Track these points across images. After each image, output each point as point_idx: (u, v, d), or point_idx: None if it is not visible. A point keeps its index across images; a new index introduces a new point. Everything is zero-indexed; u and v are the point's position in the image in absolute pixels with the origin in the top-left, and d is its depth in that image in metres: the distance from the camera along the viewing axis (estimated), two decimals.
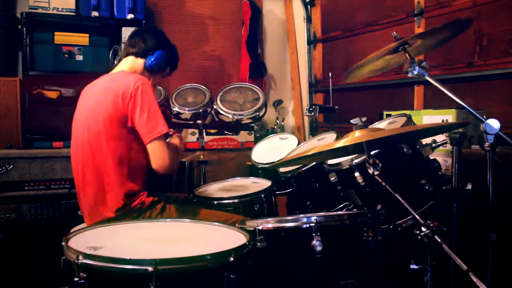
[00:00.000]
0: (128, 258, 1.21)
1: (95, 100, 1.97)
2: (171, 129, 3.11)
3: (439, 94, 1.75)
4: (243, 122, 3.05)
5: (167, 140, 2.11)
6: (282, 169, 2.39)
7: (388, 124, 2.14)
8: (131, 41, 2.15)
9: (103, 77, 2.09)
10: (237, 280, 1.29)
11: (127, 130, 1.90)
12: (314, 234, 1.52)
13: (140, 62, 2.12)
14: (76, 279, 1.23)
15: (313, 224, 1.55)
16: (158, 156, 1.88)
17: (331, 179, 1.96)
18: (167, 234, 1.56)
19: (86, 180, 1.95)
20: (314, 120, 3.91)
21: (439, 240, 1.29)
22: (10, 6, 3.37)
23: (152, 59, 2.11)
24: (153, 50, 2.11)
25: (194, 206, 2.15)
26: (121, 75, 2.03)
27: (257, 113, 3.03)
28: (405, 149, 1.75)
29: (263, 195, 2.28)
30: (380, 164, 1.47)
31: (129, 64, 2.12)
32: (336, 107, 3.12)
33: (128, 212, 1.92)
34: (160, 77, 2.25)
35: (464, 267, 1.23)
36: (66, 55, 3.20)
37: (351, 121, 1.57)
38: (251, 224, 1.60)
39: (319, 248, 1.50)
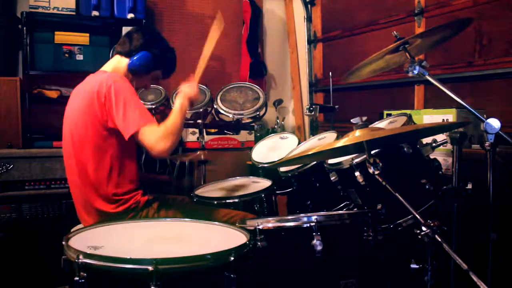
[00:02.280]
0: (129, 257, 1.21)
1: (77, 102, 1.93)
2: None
3: (440, 94, 1.75)
4: (243, 121, 3.05)
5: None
6: (282, 169, 2.38)
7: (388, 124, 2.14)
8: (122, 40, 2.07)
9: (88, 77, 2.03)
10: (238, 280, 1.29)
11: (110, 130, 1.85)
12: (314, 234, 1.52)
13: (124, 61, 2.03)
14: (76, 278, 1.23)
15: (314, 224, 1.55)
16: (145, 144, 1.80)
17: (332, 179, 1.96)
18: (167, 234, 1.57)
19: (77, 183, 1.93)
20: (314, 120, 3.91)
21: (439, 240, 1.29)
22: (11, 5, 3.36)
23: (134, 59, 1.99)
24: (137, 50, 2.01)
25: (192, 206, 2.15)
26: (96, 75, 1.98)
27: (257, 113, 3.02)
28: (405, 149, 1.75)
29: (263, 195, 2.28)
30: (381, 164, 1.47)
31: (113, 63, 2.05)
32: (337, 106, 3.12)
33: (123, 212, 1.91)
34: (149, 79, 2.12)
35: (465, 266, 1.23)
36: (67, 55, 3.21)
37: (351, 120, 1.56)
38: (252, 223, 1.60)
39: (319, 248, 1.50)
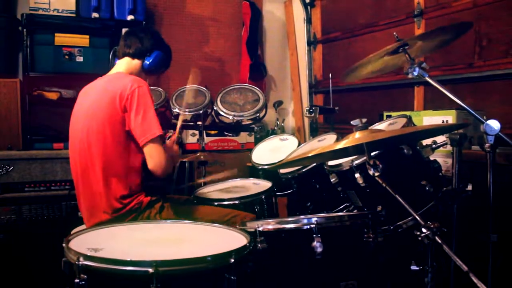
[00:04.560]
0: (129, 259, 1.22)
1: (93, 102, 1.97)
2: (171, 130, 3.13)
3: (439, 95, 1.75)
4: (243, 123, 3.05)
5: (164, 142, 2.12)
6: (282, 170, 2.39)
7: (388, 125, 2.14)
8: (127, 41, 2.11)
9: (100, 78, 2.08)
10: (238, 282, 1.29)
11: (125, 131, 1.90)
12: (314, 235, 1.52)
13: (136, 63, 2.10)
14: (76, 280, 1.23)
15: (314, 225, 1.55)
16: (154, 157, 1.89)
17: (332, 180, 1.96)
18: (167, 236, 1.57)
19: (84, 181, 1.95)
20: (314, 121, 3.91)
21: (439, 241, 1.29)
22: (11, 7, 3.37)
23: (150, 60, 2.08)
24: (150, 50, 2.09)
25: (193, 206, 2.15)
26: (118, 77, 2.03)
27: (257, 114, 3.02)
28: (405, 150, 1.75)
29: (263, 196, 2.28)
30: (381, 165, 1.47)
31: (125, 65, 2.10)
32: (336, 108, 3.12)
33: (126, 212, 1.92)
34: (156, 76, 2.23)
35: (465, 268, 1.23)
36: (67, 56, 3.21)
37: (351, 122, 1.57)
38: (252, 225, 1.60)
39: (319, 249, 1.50)
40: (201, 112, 3.06)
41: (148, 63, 2.09)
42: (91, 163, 1.92)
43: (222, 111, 2.99)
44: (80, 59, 3.25)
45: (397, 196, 1.43)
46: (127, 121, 1.89)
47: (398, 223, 1.76)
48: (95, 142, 1.91)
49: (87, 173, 1.94)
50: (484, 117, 1.65)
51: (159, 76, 2.27)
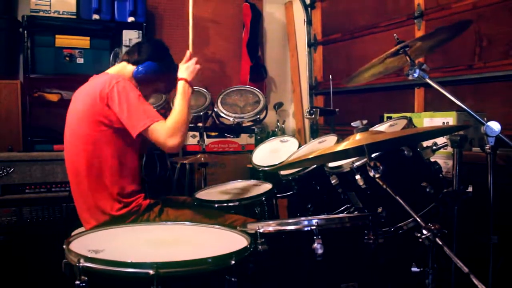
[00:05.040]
0: (130, 261, 1.22)
1: (79, 104, 1.97)
2: None
3: (440, 97, 1.75)
4: (243, 125, 3.05)
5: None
6: (283, 172, 2.39)
7: (389, 127, 2.14)
8: (131, 49, 2.14)
9: (91, 79, 2.08)
10: (239, 283, 1.29)
11: (113, 130, 1.89)
12: (315, 237, 1.52)
13: (130, 68, 2.08)
14: (77, 282, 1.22)
15: (314, 227, 1.55)
16: (155, 141, 1.85)
17: (332, 182, 1.96)
18: (168, 237, 1.57)
19: (79, 185, 1.94)
20: (314, 123, 3.91)
21: (440, 243, 1.29)
22: (11, 9, 3.38)
23: (140, 68, 2.05)
24: (144, 60, 2.07)
25: (193, 209, 2.15)
26: (99, 77, 2.02)
27: (258, 116, 3.03)
28: (406, 152, 1.75)
29: (264, 198, 2.28)
30: (381, 167, 1.47)
31: (118, 68, 2.09)
32: (337, 109, 3.12)
33: (124, 215, 1.92)
34: (151, 89, 2.18)
35: (466, 269, 1.23)
36: (67, 58, 3.22)
37: (351, 123, 1.57)
38: (252, 227, 1.59)
39: (320, 251, 1.50)
40: (201, 113, 3.06)
41: (137, 70, 2.06)
42: (84, 164, 1.91)
43: (223, 113, 2.99)
44: (80, 60, 3.25)
45: (397, 197, 1.43)
46: (116, 118, 1.87)
47: (399, 224, 1.76)
48: (84, 145, 1.90)
49: (81, 174, 1.93)
50: (485, 119, 1.65)
51: (159, 92, 2.20)
